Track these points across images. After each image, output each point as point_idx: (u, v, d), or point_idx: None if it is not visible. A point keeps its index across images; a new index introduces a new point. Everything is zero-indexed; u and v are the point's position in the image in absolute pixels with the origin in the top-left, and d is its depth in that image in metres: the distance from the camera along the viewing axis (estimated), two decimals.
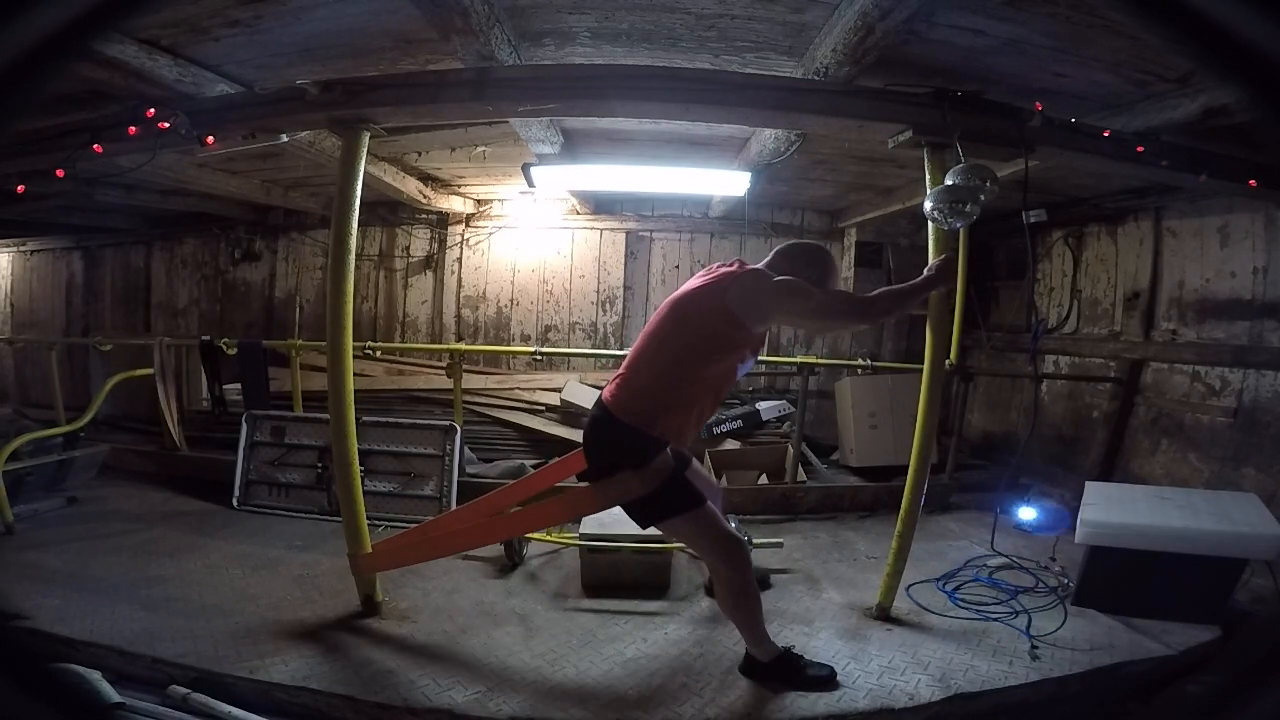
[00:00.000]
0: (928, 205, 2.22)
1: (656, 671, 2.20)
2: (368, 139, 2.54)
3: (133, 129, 2.63)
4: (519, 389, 5.13)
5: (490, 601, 2.70)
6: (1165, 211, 4.10)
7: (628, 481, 1.91)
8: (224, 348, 4.29)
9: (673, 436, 1.94)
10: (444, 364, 4.62)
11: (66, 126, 2.78)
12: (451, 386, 4.04)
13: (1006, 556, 3.16)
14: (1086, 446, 4.40)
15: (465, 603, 2.68)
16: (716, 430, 4.53)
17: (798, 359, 4.11)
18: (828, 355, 5.55)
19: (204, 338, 4.39)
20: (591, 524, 2.86)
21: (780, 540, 3.18)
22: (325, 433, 3.77)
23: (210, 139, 2.69)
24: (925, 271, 2.18)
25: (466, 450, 4.07)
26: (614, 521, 2.84)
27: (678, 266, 5.77)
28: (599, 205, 5.64)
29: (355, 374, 2.62)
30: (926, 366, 2.47)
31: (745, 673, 2.15)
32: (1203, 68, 1.71)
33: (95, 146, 2.68)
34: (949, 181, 2.23)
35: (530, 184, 4.13)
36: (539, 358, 4.71)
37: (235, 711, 1.90)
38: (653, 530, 2.74)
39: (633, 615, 2.60)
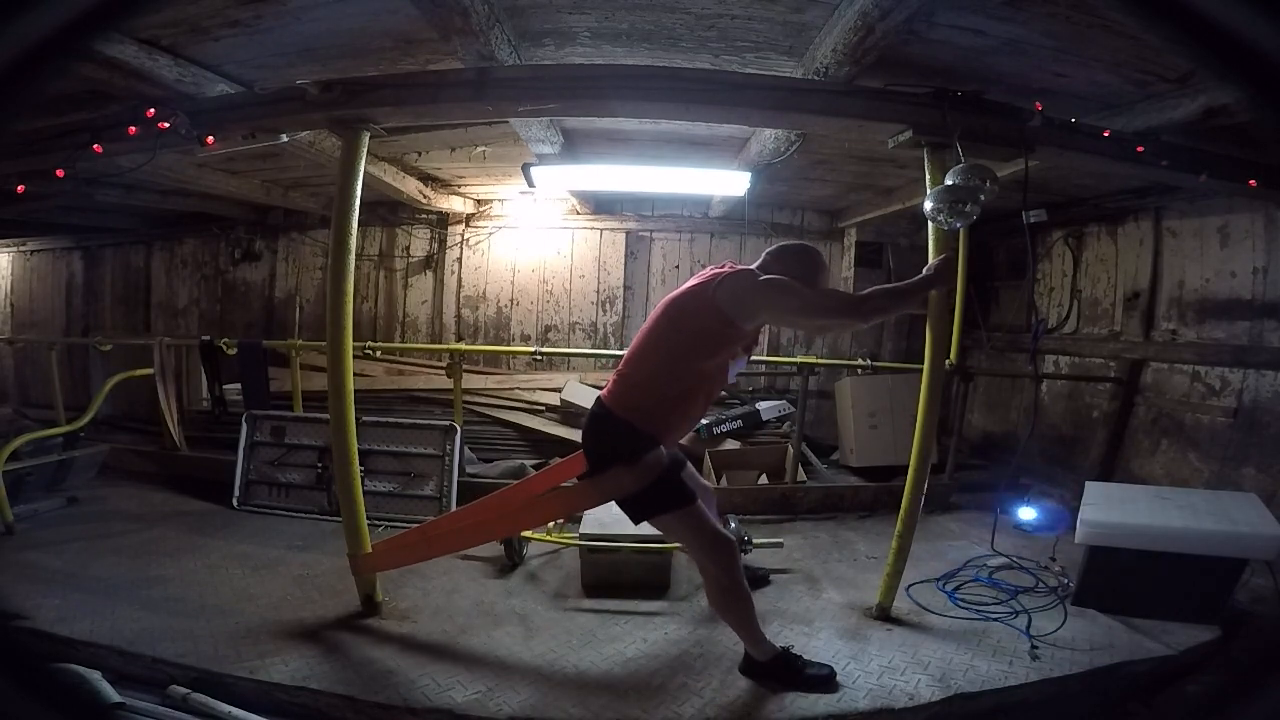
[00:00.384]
0: (928, 205, 2.22)
1: (657, 671, 2.20)
2: (368, 139, 2.53)
3: (133, 129, 2.63)
4: (519, 389, 5.13)
5: (490, 601, 2.70)
6: (1165, 211, 4.10)
7: (621, 477, 1.95)
8: (224, 348, 4.29)
9: (665, 433, 1.98)
10: (444, 364, 4.62)
11: (66, 126, 2.78)
12: (451, 386, 4.04)
13: (1006, 556, 3.16)
14: (1086, 446, 4.40)
15: (465, 603, 2.68)
16: (716, 430, 4.52)
17: (798, 359, 4.12)
18: (828, 355, 5.55)
19: (204, 338, 4.39)
20: (591, 524, 2.86)
21: (780, 540, 3.18)
22: (325, 433, 3.77)
23: (210, 139, 2.69)
24: (924, 271, 2.19)
25: (466, 450, 4.07)
26: (614, 521, 2.84)
27: (678, 266, 5.77)
28: (599, 205, 5.64)
29: (355, 374, 2.62)
30: (926, 366, 2.47)
31: (745, 673, 2.15)
32: (1203, 68, 1.72)
33: (95, 146, 2.68)
34: (949, 181, 2.23)
35: (530, 184, 4.13)
36: (539, 358, 4.71)
37: (235, 711, 1.90)
38: (652, 530, 2.76)
39: (633, 615, 2.60)
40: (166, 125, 2.59)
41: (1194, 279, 3.95)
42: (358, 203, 2.48)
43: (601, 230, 5.74)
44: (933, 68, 2.51)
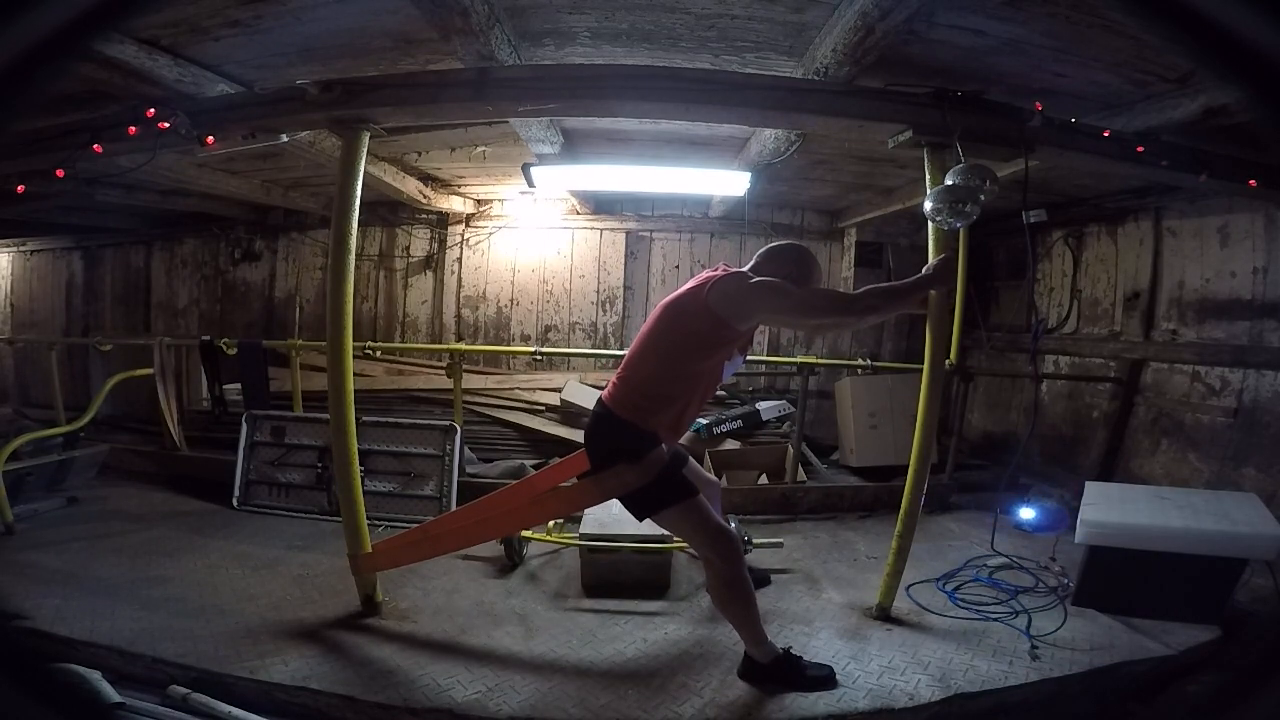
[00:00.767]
0: (928, 205, 2.22)
1: (657, 671, 2.20)
2: (368, 139, 2.53)
3: (133, 129, 2.63)
4: (519, 389, 5.13)
5: (490, 601, 2.70)
6: (1165, 211, 4.11)
7: (623, 474, 1.99)
8: (224, 348, 4.29)
9: (665, 431, 2.02)
10: (444, 364, 4.62)
11: (66, 126, 2.78)
12: (451, 386, 4.04)
13: (1006, 556, 3.15)
14: (1086, 446, 4.40)
15: (465, 603, 2.68)
16: (716, 430, 4.52)
17: (798, 359, 4.12)
18: (828, 355, 5.55)
19: (204, 338, 4.39)
20: (591, 524, 2.86)
21: (780, 540, 3.18)
22: (325, 433, 3.77)
23: (210, 139, 2.69)
24: (923, 271, 2.19)
25: (466, 450, 4.07)
26: (614, 521, 2.85)
27: (678, 266, 5.77)
28: (599, 205, 5.64)
29: (355, 374, 2.62)
30: (926, 366, 2.47)
31: (744, 677, 2.14)
32: (1203, 68, 1.72)
33: (95, 146, 2.68)
34: (949, 181, 2.23)
35: (530, 184, 4.13)
36: (539, 358, 4.71)
37: (235, 711, 1.90)
38: (653, 530, 2.76)
39: (633, 615, 2.60)
40: (166, 125, 2.59)
41: (1194, 279, 3.95)
42: (358, 203, 2.48)
43: (601, 230, 5.74)
44: (933, 68, 2.51)
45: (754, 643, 2.12)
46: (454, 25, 2.19)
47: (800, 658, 2.16)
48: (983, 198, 2.18)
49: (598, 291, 5.78)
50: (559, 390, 4.96)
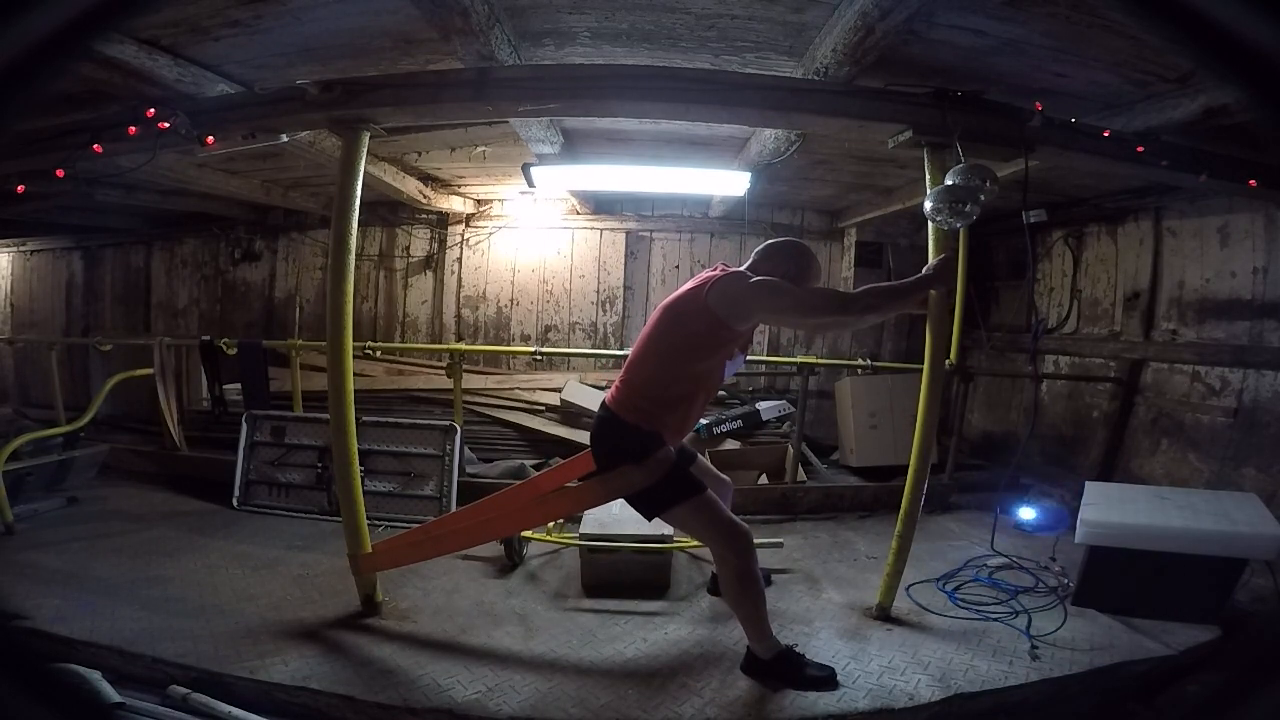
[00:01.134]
0: (928, 205, 2.22)
1: (657, 671, 2.20)
2: (368, 139, 2.54)
3: (133, 129, 2.63)
4: (519, 389, 5.13)
5: (490, 601, 2.70)
6: (1165, 211, 4.10)
7: (629, 474, 2.00)
8: (224, 348, 4.29)
9: (669, 431, 2.03)
10: (444, 364, 4.62)
11: (66, 126, 2.78)
12: (451, 386, 4.04)
13: (1006, 556, 3.16)
14: (1086, 446, 4.40)
15: (465, 603, 2.68)
16: (716, 430, 4.53)
17: (798, 359, 4.11)
18: (828, 355, 5.55)
19: (204, 338, 4.39)
20: (591, 524, 2.86)
21: (780, 540, 3.18)
22: (325, 433, 3.78)
23: (210, 139, 2.69)
24: (923, 270, 2.19)
25: (466, 450, 4.07)
26: (614, 521, 2.85)
27: (678, 266, 5.77)
28: (599, 205, 5.64)
29: (355, 374, 2.62)
30: (926, 366, 2.47)
31: (746, 671, 2.15)
32: (1203, 68, 1.72)
33: (95, 146, 2.68)
34: (949, 181, 2.23)
35: (530, 184, 4.13)
36: (539, 358, 4.71)
37: (235, 711, 1.90)
38: (653, 530, 2.76)
39: (633, 615, 2.60)
40: (166, 125, 2.59)
41: (1194, 279, 3.95)
42: (358, 203, 2.48)
43: (601, 230, 5.74)
44: (933, 68, 2.51)
45: (758, 638, 2.12)
46: (454, 25, 2.19)
47: (802, 655, 2.17)
48: (983, 198, 2.18)
49: (598, 291, 5.78)
50: (559, 390, 4.96)
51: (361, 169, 2.51)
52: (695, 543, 3.02)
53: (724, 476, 2.65)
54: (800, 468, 4.25)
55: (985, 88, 2.49)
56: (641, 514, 2.08)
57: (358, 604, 2.56)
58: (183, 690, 2.00)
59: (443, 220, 5.78)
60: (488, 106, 2.58)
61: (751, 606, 2.10)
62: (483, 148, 4.10)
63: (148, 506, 3.83)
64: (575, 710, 1.98)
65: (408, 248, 5.90)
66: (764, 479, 4.31)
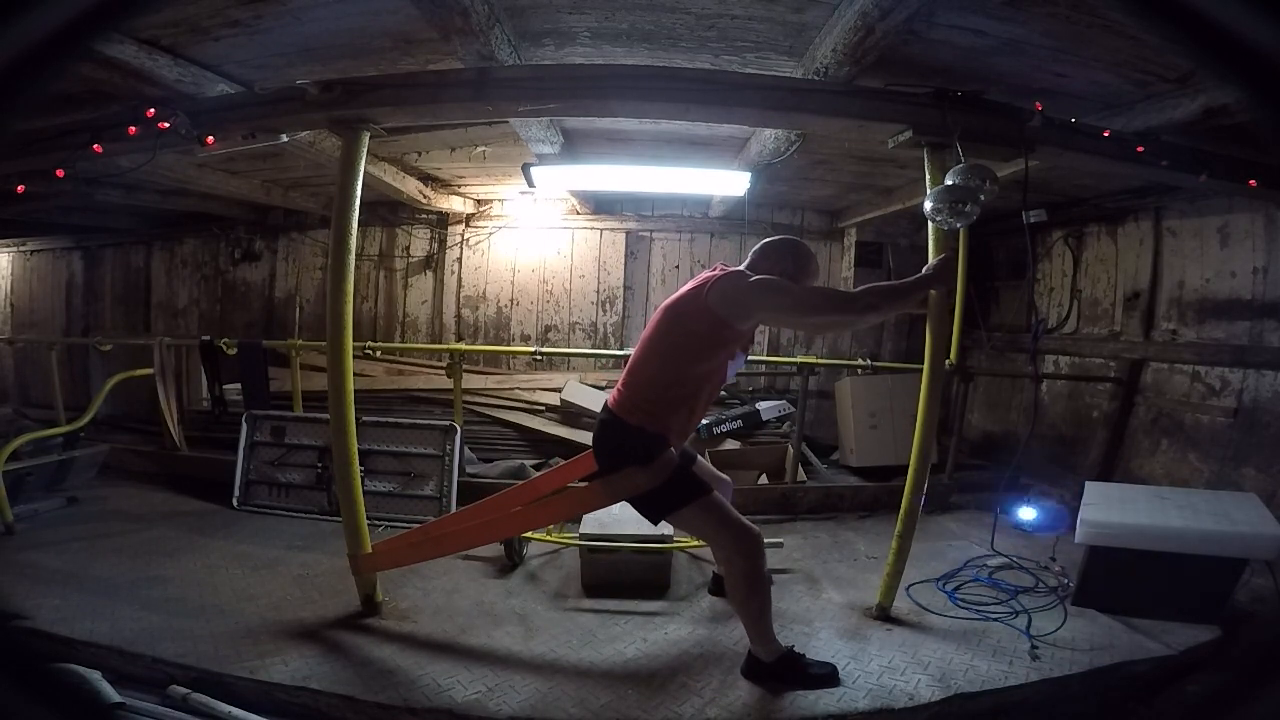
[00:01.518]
0: (928, 205, 2.22)
1: (657, 672, 2.20)
2: (368, 139, 2.53)
3: (133, 129, 2.63)
4: (519, 389, 5.13)
5: (490, 601, 2.70)
6: (1165, 211, 4.10)
7: (634, 477, 1.99)
8: (224, 348, 4.29)
9: (673, 433, 2.02)
10: (444, 364, 4.62)
11: (66, 126, 2.78)
12: (451, 386, 4.04)
13: (1006, 556, 3.16)
14: (1086, 446, 4.40)
15: (465, 603, 2.68)
16: (716, 430, 4.53)
17: (798, 359, 4.12)
18: (828, 355, 5.55)
19: (204, 338, 4.39)
20: (591, 524, 2.86)
21: (780, 540, 3.18)
22: (325, 433, 3.78)
23: (210, 139, 2.69)
24: (924, 270, 2.19)
25: (466, 450, 4.07)
26: (614, 521, 2.85)
27: (678, 266, 5.77)
28: (599, 205, 5.64)
29: (355, 374, 2.62)
30: (926, 366, 2.47)
31: (747, 675, 2.14)
32: (1203, 68, 1.72)
33: (95, 146, 2.67)
34: (949, 181, 2.23)
35: (530, 184, 4.13)
36: (539, 358, 4.71)
37: (235, 711, 1.90)
38: (652, 530, 2.76)
39: (633, 615, 2.60)
40: (166, 125, 2.59)
41: (1194, 279, 3.95)
42: (358, 203, 2.48)
43: (601, 230, 5.74)
44: (933, 68, 2.51)
45: (760, 641, 2.11)
46: (454, 25, 2.19)
47: (803, 656, 2.16)
48: (983, 198, 2.18)
49: (598, 291, 5.78)
50: (559, 390, 4.95)
51: (361, 169, 2.51)
52: (695, 543, 3.02)
53: (724, 476, 2.65)
54: (800, 468, 4.25)
55: (985, 88, 2.49)
56: (647, 517, 2.06)
57: (358, 604, 2.56)
58: (183, 690, 2.00)
59: (443, 220, 5.78)
60: (488, 106, 2.57)
61: (757, 609, 2.09)
62: (483, 148, 4.10)
63: (148, 506, 3.83)
64: (575, 710, 1.98)
65: (408, 248, 5.90)
66: (764, 479, 4.31)
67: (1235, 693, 0.81)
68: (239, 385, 4.34)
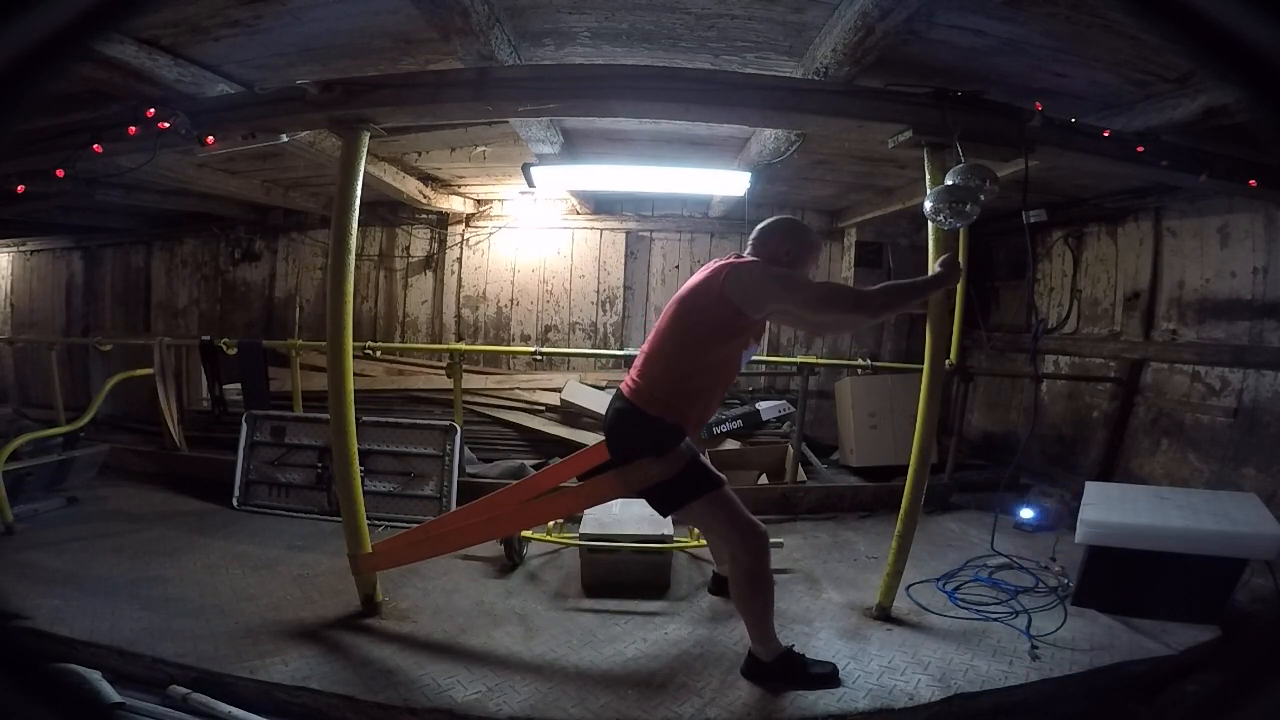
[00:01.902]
0: (928, 205, 2.22)
1: (657, 671, 2.20)
2: (368, 139, 2.53)
3: (133, 129, 2.63)
4: (519, 389, 5.13)
5: (490, 601, 2.70)
6: (1165, 211, 4.11)
7: (648, 468, 1.98)
8: (224, 348, 4.29)
9: (690, 424, 2.02)
10: (444, 364, 4.62)
11: (66, 126, 2.78)
12: (451, 386, 4.04)
13: (1006, 556, 3.15)
14: (1086, 446, 4.41)
15: (465, 603, 2.68)
16: (716, 430, 4.52)
17: (798, 359, 4.11)
18: (828, 355, 5.55)
19: (204, 338, 4.39)
20: (591, 524, 2.86)
21: (780, 540, 3.17)
22: (325, 433, 3.77)
23: (210, 139, 2.69)
24: (933, 269, 2.20)
25: (466, 450, 4.07)
26: (614, 521, 2.85)
27: (678, 266, 5.77)
28: (599, 205, 5.64)
29: (355, 374, 2.62)
30: (926, 366, 2.47)
31: (747, 675, 2.14)
32: (1203, 68, 1.72)
33: (95, 146, 2.67)
34: (949, 181, 2.24)
35: (530, 184, 4.13)
36: (539, 358, 4.71)
37: (235, 711, 1.90)
38: (653, 530, 2.76)
39: (633, 615, 2.60)
40: (166, 125, 2.59)
41: (1194, 279, 3.95)
42: (358, 203, 2.48)
43: (601, 230, 5.74)
44: (933, 68, 2.51)
45: (761, 640, 2.11)
46: (454, 25, 2.19)
47: (803, 655, 2.16)
48: (983, 198, 2.18)
49: (598, 291, 5.78)
50: (559, 390, 4.96)
51: (361, 169, 2.51)
52: (695, 543, 3.02)
53: (722, 476, 2.64)
54: (800, 468, 4.25)
55: (985, 88, 2.49)
56: (657, 510, 2.06)
57: (358, 604, 2.56)
58: (183, 690, 2.00)
59: (443, 220, 5.78)
60: (488, 106, 2.57)
61: (760, 608, 2.09)
62: (483, 148, 4.10)
63: (148, 506, 3.83)
64: (575, 710, 1.98)
65: (408, 248, 5.90)
66: (764, 479, 4.31)
67: (1235, 693, 0.81)
68: (239, 385, 4.33)
